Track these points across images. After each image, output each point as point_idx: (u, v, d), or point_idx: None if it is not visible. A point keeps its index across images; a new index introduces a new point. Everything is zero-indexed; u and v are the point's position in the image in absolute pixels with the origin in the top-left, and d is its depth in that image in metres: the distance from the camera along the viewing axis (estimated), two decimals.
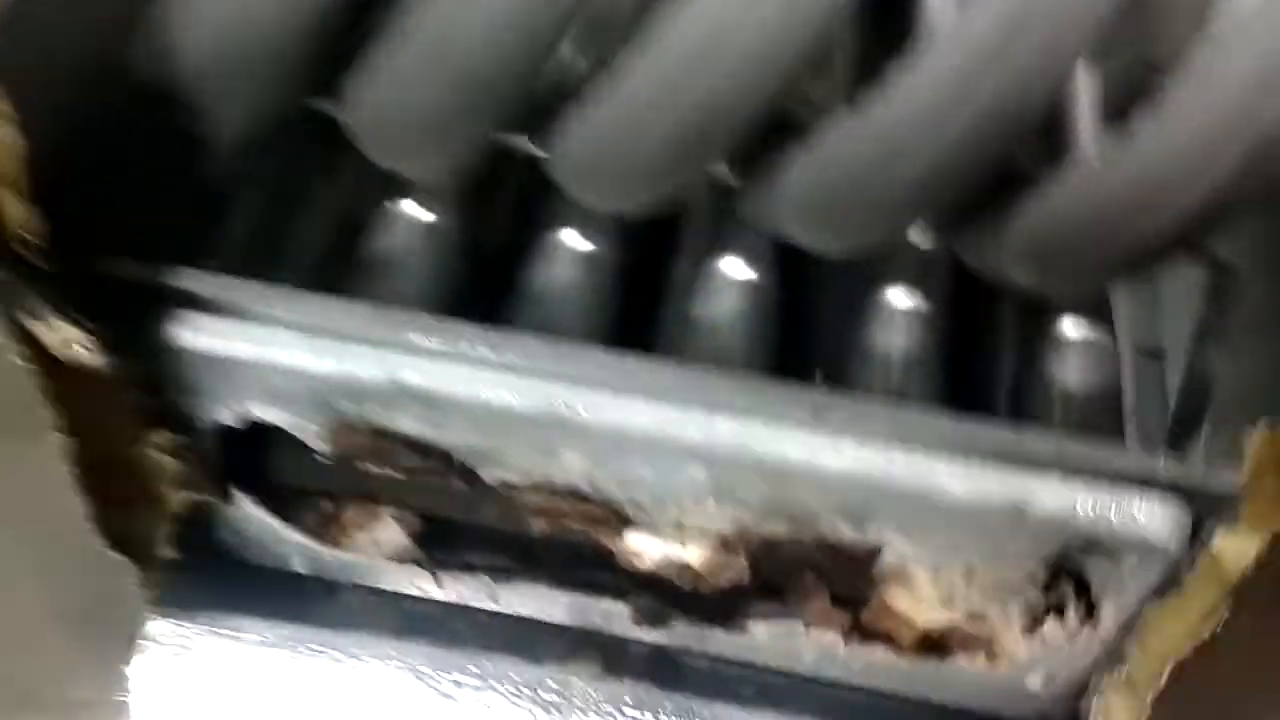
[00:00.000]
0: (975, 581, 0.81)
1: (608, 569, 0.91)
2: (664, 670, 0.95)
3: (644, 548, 0.86)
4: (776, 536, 0.83)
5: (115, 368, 0.76)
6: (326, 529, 0.92)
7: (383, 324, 0.77)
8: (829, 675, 0.94)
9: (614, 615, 0.93)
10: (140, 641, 0.89)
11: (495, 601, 0.96)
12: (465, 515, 0.89)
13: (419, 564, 0.94)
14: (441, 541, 0.93)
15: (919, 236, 0.90)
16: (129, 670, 0.88)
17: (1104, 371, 0.88)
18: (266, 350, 0.77)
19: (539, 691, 0.90)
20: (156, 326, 0.77)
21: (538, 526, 0.87)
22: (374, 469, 0.86)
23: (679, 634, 0.94)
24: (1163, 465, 0.74)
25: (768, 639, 0.92)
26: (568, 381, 0.77)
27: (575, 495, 0.83)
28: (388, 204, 0.94)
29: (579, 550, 0.92)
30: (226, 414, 0.81)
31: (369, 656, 0.91)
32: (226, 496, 0.87)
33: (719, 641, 0.94)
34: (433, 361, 0.77)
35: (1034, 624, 0.85)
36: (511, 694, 0.89)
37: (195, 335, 0.77)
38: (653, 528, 0.84)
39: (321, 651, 0.91)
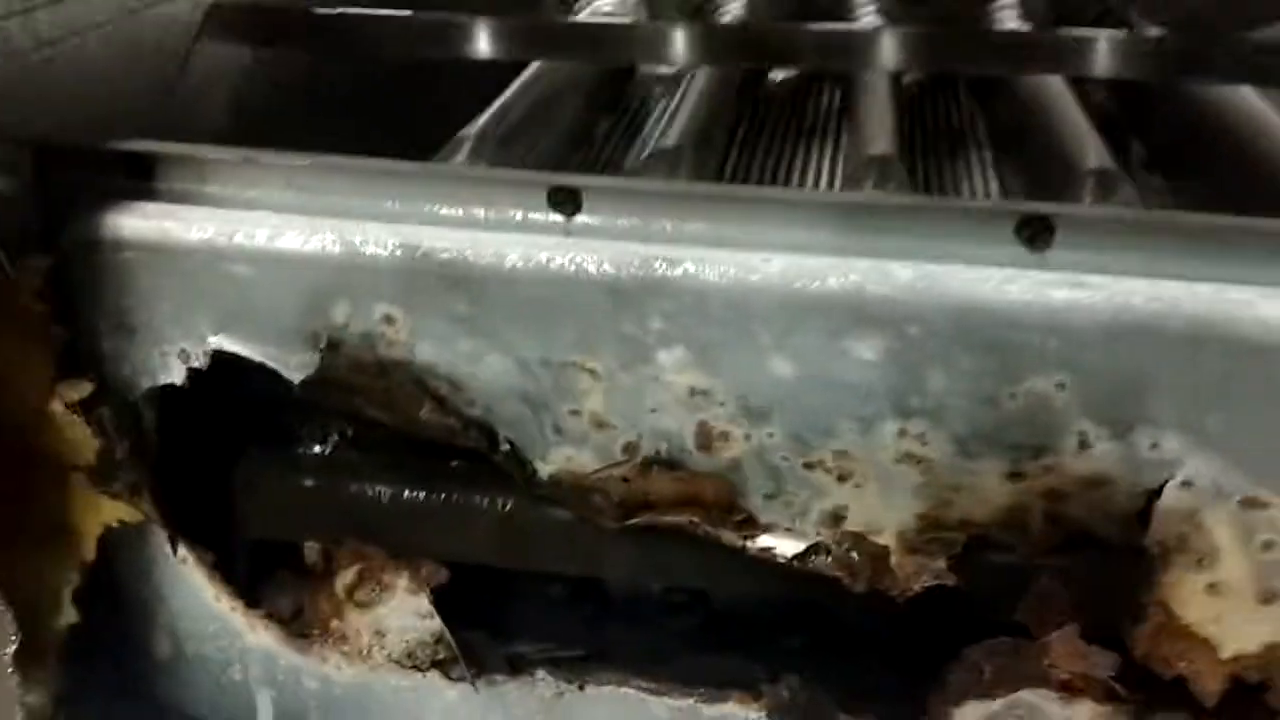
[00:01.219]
0: None
1: (727, 615, 0.61)
2: None
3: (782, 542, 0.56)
4: (989, 507, 0.54)
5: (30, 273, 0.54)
6: (309, 608, 0.63)
7: (396, 181, 0.56)
8: None
9: None
10: None
11: None
12: (511, 558, 0.61)
13: (443, 666, 0.63)
14: (474, 618, 0.63)
15: None
16: None
17: None
18: (240, 231, 0.55)
19: None
20: (89, 211, 0.55)
21: (617, 554, 0.59)
22: (376, 469, 0.60)
23: None
24: None
25: None
26: (663, 237, 0.54)
27: (672, 464, 0.56)
28: None
29: (677, 597, 0.62)
30: (171, 352, 0.57)
31: None
32: (164, 516, 0.59)
33: None
34: (468, 228, 0.55)
35: None
36: None
37: (143, 221, 0.56)
38: (792, 514, 0.56)
39: None
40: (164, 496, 0.60)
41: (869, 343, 0.52)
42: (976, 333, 0.51)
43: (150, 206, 0.56)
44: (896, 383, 0.52)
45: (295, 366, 0.56)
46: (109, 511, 0.58)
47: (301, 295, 0.55)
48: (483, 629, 0.63)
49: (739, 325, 0.52)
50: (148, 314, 0.56)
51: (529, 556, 0.60)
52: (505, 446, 0.57)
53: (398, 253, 0.54)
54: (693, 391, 0.54)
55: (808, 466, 0.55)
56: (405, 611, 0.62)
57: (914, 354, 0.52)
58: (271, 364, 0.56)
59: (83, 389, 0.56)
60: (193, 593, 0.62)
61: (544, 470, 0.57)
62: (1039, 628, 0.56)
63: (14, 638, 0.56)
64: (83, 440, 0.56)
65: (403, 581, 0.61)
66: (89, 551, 0.59)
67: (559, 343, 0.54)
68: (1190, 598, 0.54)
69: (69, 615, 0.58)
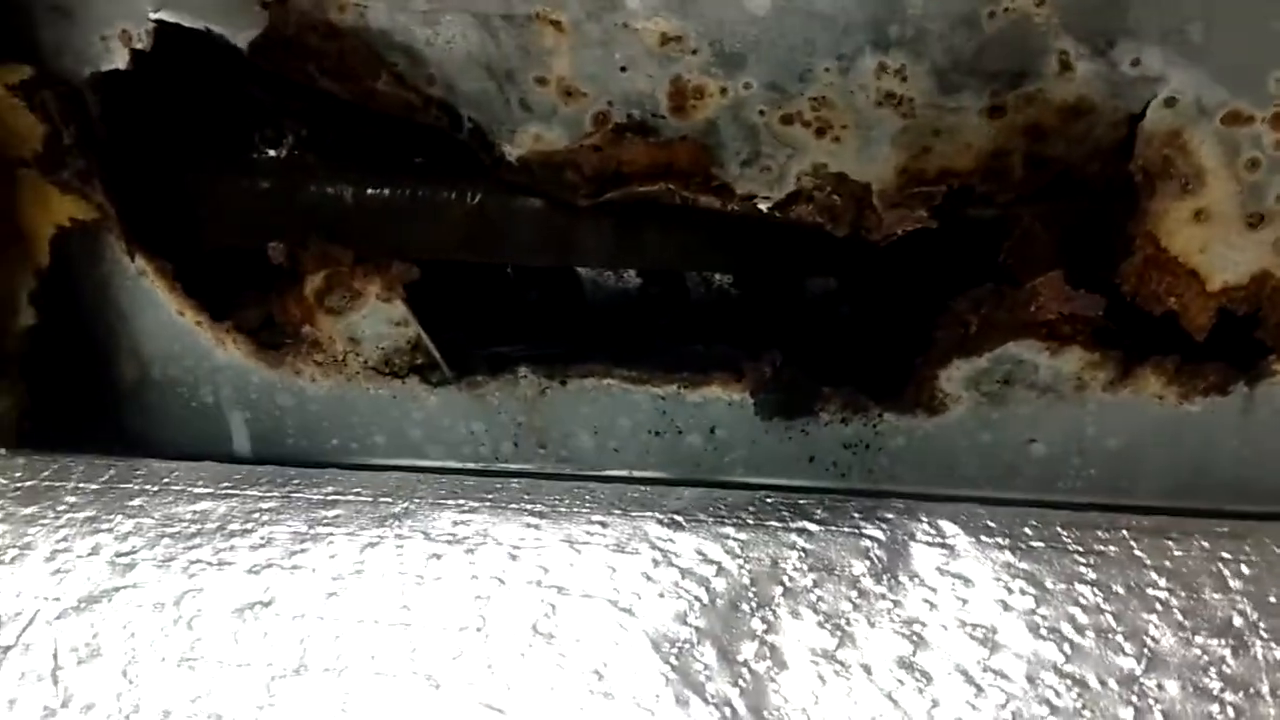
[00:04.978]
0: None
1: (704, 305, 0.60)
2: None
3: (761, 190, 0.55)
4: (970, 153, 0.53)
5: None
6: (278, 312, 0.61)
7: None
8: (1064, 483, 0.60)
9: (722, 422, 0.60)
10: None
11: (541, 442, 0.62)
12: (482, 251, 0.59)
13: (421, 372, 0.61)
14: (452, 319, 0.61)
15: None
16: None
17: None
18: None
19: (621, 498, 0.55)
20: None
21: (591, 239, 0.57)
22: (337, 170, 0.58)
23: (826, 440, 0.60)
24: None
25: (968, 408, 0.58)
26: None
27: (645, 129, 0.54)
28: None
29: (654, 291, 0.61)
30: (111, 35, 0.54)
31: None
32: (118, 212, 0.57)
33: (888, 450, 0.60)
34: None
35: None
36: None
37: None
38: (769, 180, 0.54)
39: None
40: (118, 196, 0.57)
41: None
42: None
43: None
44: (875, 10, 0.50)
45: (241, 35, 0.53)
46: (59, 209, 0.55)
47: None
48: (461, 333, 0.61)
49: None
50: None
51: (501, 249, 0.59)
52: (469, 126, 0.55)
53: None
54: (664, 39, 0.52)
55: (785, 121, 0.53)
56: (379, 319, 0.60)
57: None
58: (217, 31, 0.53)
59: (22, 71, 0.53)
60: (155, 308, 0.60)
61: (511, 153, 0.55)
62: (1024, 273, 0.55)
63: None
64: (28, 128, 0.53)
65: (374, 288, 0.60)
66: (42, 255, 0.56)
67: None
68: (1177, 227, 0.53)
69: (26, 317, 0.56)
